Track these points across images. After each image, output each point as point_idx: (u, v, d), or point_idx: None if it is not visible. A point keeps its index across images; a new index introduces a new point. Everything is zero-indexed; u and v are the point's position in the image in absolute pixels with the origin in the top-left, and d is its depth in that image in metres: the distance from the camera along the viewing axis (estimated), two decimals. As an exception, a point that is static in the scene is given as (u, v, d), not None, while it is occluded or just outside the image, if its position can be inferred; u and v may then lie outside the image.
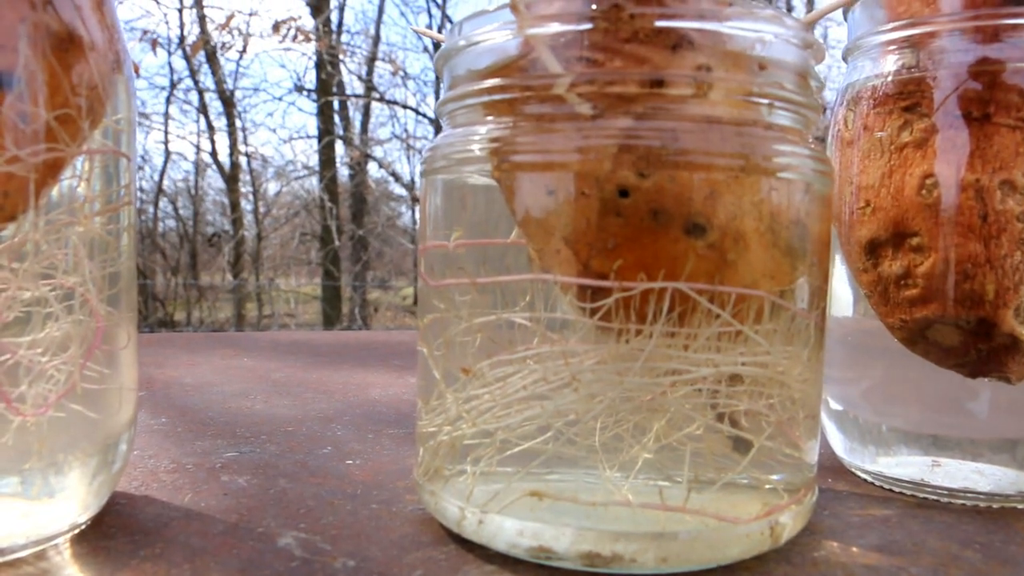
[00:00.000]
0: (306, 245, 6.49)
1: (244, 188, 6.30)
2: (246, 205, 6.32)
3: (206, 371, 0.68)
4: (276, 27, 5.02)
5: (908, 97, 0.37)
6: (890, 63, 0.38)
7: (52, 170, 0.28)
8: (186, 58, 5.81)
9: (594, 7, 0.27)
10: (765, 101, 0.29)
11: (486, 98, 0.30)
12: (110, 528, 0.31)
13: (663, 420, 0.28)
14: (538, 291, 0.29)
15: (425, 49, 6.40)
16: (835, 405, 0.41)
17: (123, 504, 0.34)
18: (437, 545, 0.30)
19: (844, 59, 0.41)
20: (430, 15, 6.46)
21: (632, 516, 0.28)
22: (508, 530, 0.29)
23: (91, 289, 0.29)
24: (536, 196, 0.28)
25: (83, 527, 0.31)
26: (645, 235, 0.27)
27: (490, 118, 0.30)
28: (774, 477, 0.30)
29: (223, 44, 5.60)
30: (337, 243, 5.55)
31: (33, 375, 0.28)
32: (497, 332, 0.29)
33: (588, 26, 0.28)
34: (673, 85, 0.27)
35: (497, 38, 0.29)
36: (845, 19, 0.41)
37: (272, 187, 6.77)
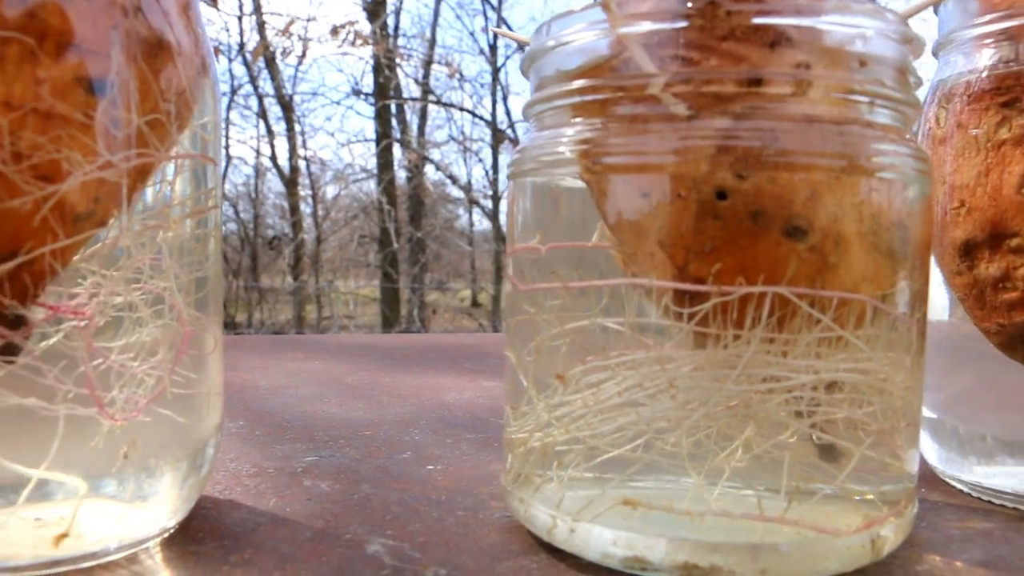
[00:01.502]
0: (364, 247, 6.54)
1: (303, 191, 6.37)
2: (305, 208, 6.38)
3: (279, 374, 0.69)
4: (334, 31, 5.06)
5: (1006, 92, 0.36)
6: (985, 57, 0.37)
7: (141, 175, 0.28)
8: (246, 64, 5.89)
9: (689, 4, 0.27)
10: (865, 99, 0.28)
11: (576, 99, 0.29)
12: (198, 533, 0.31)
13: (758, 428, 0.27)
14: (630, 296, 0.29)
15: (481, 52, 6.42)
16: (929, 413, 0.40)
17: (209, 508, 0.34)
18: (528, 554, 0.30)
19: (934, 55, 0.40)
20: (486, 17, 6.47)
21: (726, 526, 0.27)
22: (601, 539, 0.28)
23: (176, 294, 0.29)
24: (629, 198, 0.28)
25: (172, 531, 0.31)
26: (744, 238, 0.27)
27: (579, 119, 0.29)
28: (874, 488, 0.29)
29: (283, 50, 5.67)
30: (395, 245, 5.58)
31: (124, 380, 0.28)
32: (589, 337, 0.29)
33: (683, 24, 0.27)
34: (771, 84, 0.27)
35: (587, 38, 0.29)
36: (936, 13, 0.40)
37: (331, 190, 6.83)
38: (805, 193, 0.26)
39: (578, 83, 0.29)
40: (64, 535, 0.27)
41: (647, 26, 0.27)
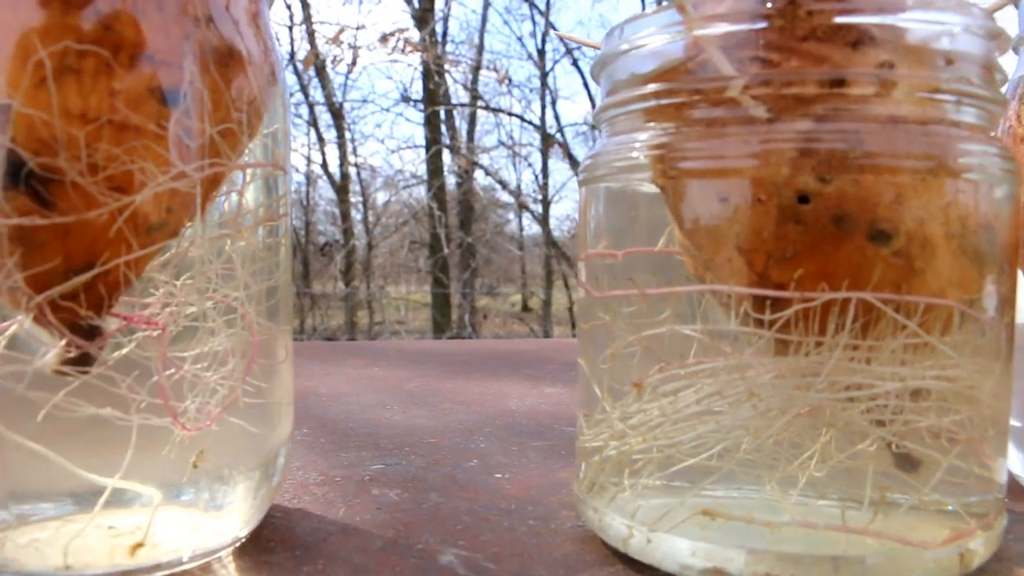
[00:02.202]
0: (415, 253, 6.57)
1: (354, 198, 6.41)
2: (356, 215, 6.43)
3: (339, 381, 0.69)
4: (384, 39, 5.10)
5: (1091, 90, 0.34)
6: (1070, 53, 0.35)
7: (213, 185, 0.28)
8: (296, 73, 5.94)
9: (769, 5, 0.26)
10: (951, 98, 0.27)
11: (652, 103, 0.28)
12: (269, 542, 0.31)
13: (840, 437, 0.27)
14: (704, 303, 0.28)
15: (529, 56, 6.41)
16: (1013, 421, 0.39)
17: (279, 517, 0.34)
18: (603, 565, 0.29)
19: (1015, 50, 0.39)
20: (534, 22, 6.48)
21: (807, 537, 0.27)
22: (679, 550, 0.27)
23: (245, 303, 0.29)
24: (706, 203, 0.27)
25: (243, 541, 0.31)
26: (827, 243, 0.26)
27: (652, 124, 0.29)
28: (960, 499, 0.28)
29: (333, 58, 5.71)
30: (446, 251, 5.60)
31: (197, 390, 0.28)
32: (665, 345, 0.28)
33: (762, 25, 0.26)
34: (854, 84, 0.26)
35: (661, 41, 0.28)
36: (1016, 7, 0.39)
37: (381, 196, 6.87)
38: (890, 196, 0.26)
39: (652, 87, 0.28)
40: (140, 544, 0.27)
41: (724, 27, 0.27)
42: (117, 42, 0.25)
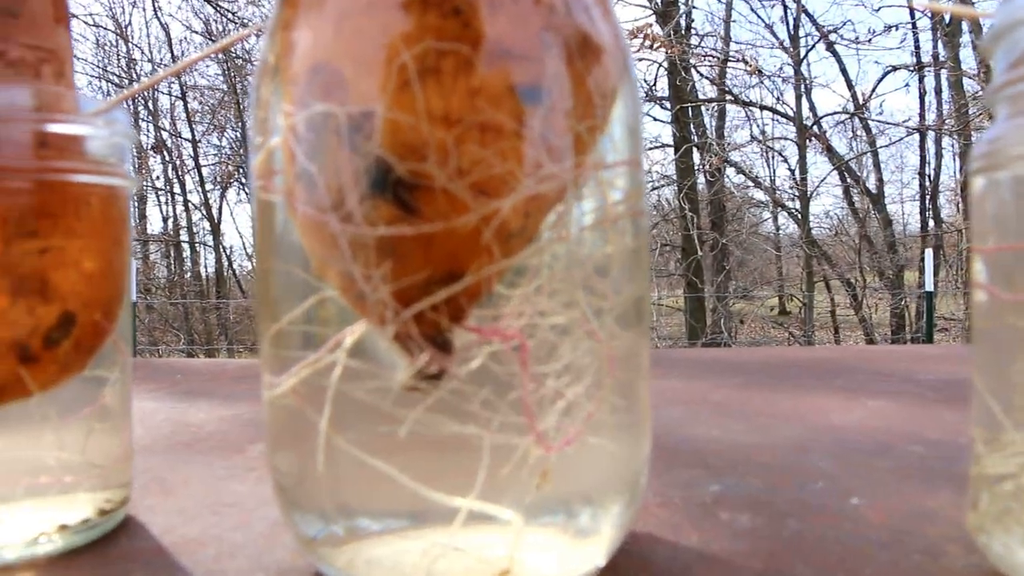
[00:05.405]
0: (666, 256, 6.50)
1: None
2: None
3: (638, 390, 0.67)
4: (632, 34, 5.07)
5: None
6: None
7: (573, 185, 0.26)
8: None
9: None
10: None
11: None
12: (628, 571, 0.29)
13: None
14: None
15: (780, 44, 6.18)
16: None
17: (629, 543, 0.32)
18: (1026, 615, 0.25)
19: None
20: (784, 7, 6.21)
21: None
22: None
23: (586, 312, 0.27)
24: None
25: (600, 569, 0.29)
26: None
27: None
28: None
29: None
30: (699, 253, 5.49)
31: (561, 407, 0.26)
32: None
33: None
34: None
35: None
36: None
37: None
38: None
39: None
40: (506, 572, 0.26)
41: None
42: (475, 38, 0.24)
